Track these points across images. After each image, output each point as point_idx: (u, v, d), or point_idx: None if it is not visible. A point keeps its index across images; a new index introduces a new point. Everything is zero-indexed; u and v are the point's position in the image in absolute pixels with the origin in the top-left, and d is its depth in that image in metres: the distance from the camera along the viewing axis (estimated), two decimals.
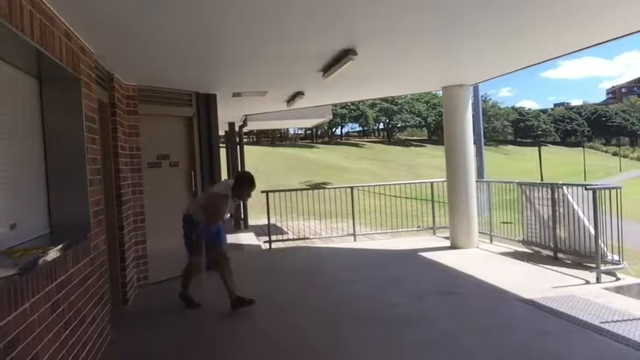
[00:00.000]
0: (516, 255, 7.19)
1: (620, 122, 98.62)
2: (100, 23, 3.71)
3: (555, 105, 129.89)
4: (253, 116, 11.04)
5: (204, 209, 5.08)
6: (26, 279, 2.58)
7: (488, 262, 6.92)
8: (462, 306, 5.02)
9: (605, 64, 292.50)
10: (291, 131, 70.04)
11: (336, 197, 9.70)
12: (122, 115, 5.81)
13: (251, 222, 12.04)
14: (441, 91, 8.12)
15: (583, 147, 70.67)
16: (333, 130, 74.59)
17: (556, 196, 6.71)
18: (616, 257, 5.87)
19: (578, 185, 6.49)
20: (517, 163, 64.02)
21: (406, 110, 74.85)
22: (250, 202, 11.94)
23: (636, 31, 4.80)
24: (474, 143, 8.87)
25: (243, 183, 5.12)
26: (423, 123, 79.50)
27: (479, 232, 7.99)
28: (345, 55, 5.03)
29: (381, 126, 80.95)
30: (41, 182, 3.48)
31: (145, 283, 6.21)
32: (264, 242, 9.02)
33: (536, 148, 54.85)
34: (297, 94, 7.80)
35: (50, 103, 3.54)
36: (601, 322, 4.22)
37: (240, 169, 11.85)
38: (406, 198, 10.72)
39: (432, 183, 9.56)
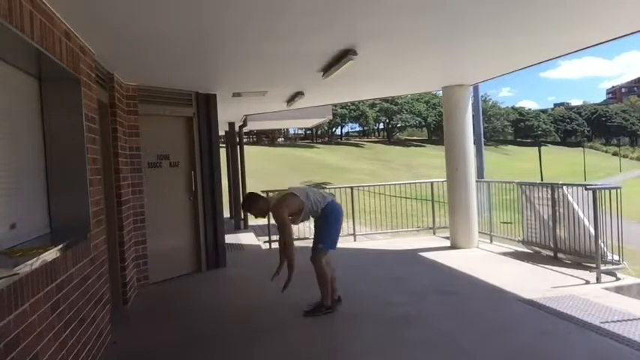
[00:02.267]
0: (516, 255, 7.19)
1: (620, 122, 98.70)
2: (100, 23, 3.71)
3: (555, 105, 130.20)
4: (253, 116, 11.04)
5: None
6: (26, 279, 2.58)
7: (488, 262, 6.92)
8: (462, 306, 5.01)
9: (605, 64, 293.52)
10: (291, 131, 70.19)
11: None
12: (122, 115, 5.81)
13: (251, 222, 12.04)
14: (440, 91, 8.12)
15: (583, 147, 70.75)
16: (333, 130, 74.66)
17: (556, 196, 6.71)
18: (616, 257, 5.87)
19: (578, 185, 6.49)
20: (517, 163, 64.05)
21: (406, 110, 74.90)
22: None
23: (636, 31, 4.80)
24: (474, 143, 8.87)
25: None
26: (423, 123, 79.56)
27: (479, 232, 7.99)
28: (345, 55, 5.03)
29: (381, 126, 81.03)
30: (41, 182, 3.48)
31: (145, 283, 6.21)
32: (264, 242, 9.02)
33: (537, 148, 54.90)
34: (297, 94, 7.80)
35: (50, 103, 3.54)
36: (601, 322, 4.22)
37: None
38: (406, 198, 10.70)
39: (432, 183, 9.56)
